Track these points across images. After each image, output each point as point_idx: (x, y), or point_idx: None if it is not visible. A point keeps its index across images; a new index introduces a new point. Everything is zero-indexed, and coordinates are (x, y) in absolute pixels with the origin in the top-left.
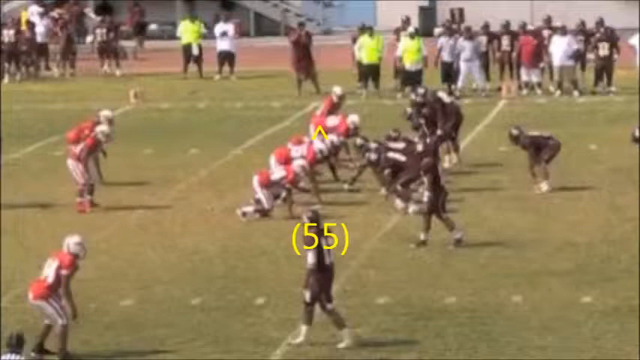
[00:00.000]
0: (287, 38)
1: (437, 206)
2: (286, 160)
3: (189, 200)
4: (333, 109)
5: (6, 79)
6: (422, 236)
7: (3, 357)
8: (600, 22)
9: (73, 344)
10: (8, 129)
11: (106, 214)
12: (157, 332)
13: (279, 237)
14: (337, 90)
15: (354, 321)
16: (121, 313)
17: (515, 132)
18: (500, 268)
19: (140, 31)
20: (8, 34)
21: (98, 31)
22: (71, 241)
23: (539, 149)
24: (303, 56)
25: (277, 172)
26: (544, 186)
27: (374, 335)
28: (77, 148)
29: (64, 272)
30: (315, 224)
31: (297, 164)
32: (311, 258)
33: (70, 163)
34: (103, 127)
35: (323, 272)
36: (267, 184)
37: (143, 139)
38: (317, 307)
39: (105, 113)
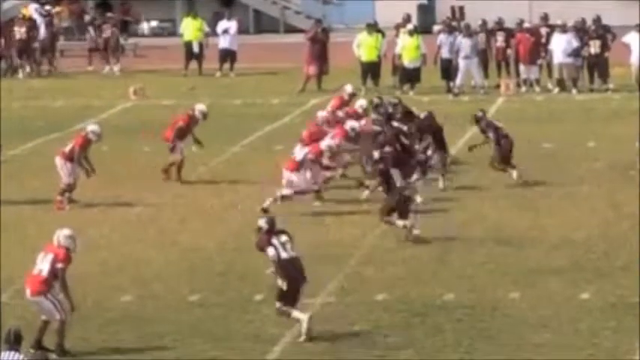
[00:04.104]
0: (304, 35)
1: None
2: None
3: (188, 197)
4: (343, 106)
5: (20, 75)
6: (413, 229)
7: (2, 354)
8: (597, 20)
9: (71, 340)
10: (8, 126)
11: (106, 210)
12: (156, 328)
13: None
14: (348, 88)
15: (352, 317)
16: (120, 309)
17: (479, 114)
18: (498, 266)
19: (124, 28)
20: (20, 31)
21: (105, 27)
22: (62, 234)
23: (498, 142)
24: (319, 53)
25: (300, 152)
26: (514, 174)
27: (372, 332)
28: (66, 148)
29: (59, 266)
30: (270, 230)
31: (326, 143)
32: (271, 251)
33: (58, 160)
34: (94, 127)
35: (292, 268)
36: (296, 168)
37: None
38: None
39: (200, 107)
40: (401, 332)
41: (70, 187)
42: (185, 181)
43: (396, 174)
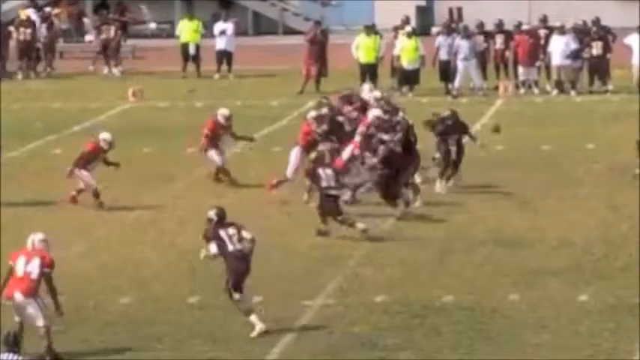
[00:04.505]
0: (303, 37)
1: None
2: None
3: (187, 199)
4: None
5: (19, 77)
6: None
7: (2, 355)
8: (596, 22)
9: (71, 342)
10: (7, 127)
11: (105, 212)
12: (155, 330)
13: (275, 235)
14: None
15: (351, 319)
16: (119, 311)
17: (446, 113)
18: (497, 267)
19: (124, 29)
20: (20, 33)
21: (104, 28)
22: (36, 238)
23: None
24: (318, 54)
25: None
26: (437, 185)
27: (371, 333)
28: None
29: (47, 270)
30: (219, 222)
31: (373, 114)
32: (213, 247)
33: (77, 172)
34: (105, 135)
35: (238, 261)
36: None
37: (142, 138)
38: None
39: (222, 112)
40: (400, 334)
41: (96, 191)
42: (184, 183)
43: (327, 174)
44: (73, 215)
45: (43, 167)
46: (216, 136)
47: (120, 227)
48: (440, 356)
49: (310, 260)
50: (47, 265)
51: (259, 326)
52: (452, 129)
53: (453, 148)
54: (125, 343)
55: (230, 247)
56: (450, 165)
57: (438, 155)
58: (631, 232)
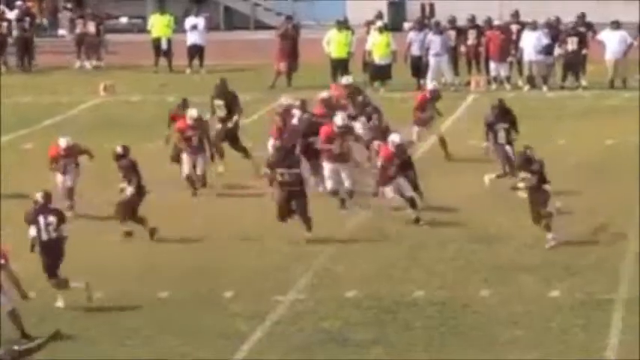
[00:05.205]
0: (275, 32)
1: None
2: None
3: (155, 193)
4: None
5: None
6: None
7: None
8: (582, 17)
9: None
10: None
11: (75, 207)
12: (128, 324)
13: (247, 231)
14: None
15: (322, 314)
16: (92, 305)
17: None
18: (468, 263)
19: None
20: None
21: (79, 21)
22: None
23: None
24: (289, 50)
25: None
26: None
27: (343, 328)
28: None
29: (2, 262)
30: (43, 206)
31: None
32: (32, 231)
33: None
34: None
35: (49, 249)
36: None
37: (112, 133)
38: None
39: (191, 113)
40: (371, 329)
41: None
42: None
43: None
44: None
45: (14, 162)
46: (186, 138)
47: (88, 221)
48: (411, 352)
49: (282, 256)
50: (3, 257)
51: (59, 303)
52: (499, 118)
53: (504, 143)
54: (97, 336)
55: (44, 236)
56: (508, 162)
57: (485, 144)
58: (602, 229)
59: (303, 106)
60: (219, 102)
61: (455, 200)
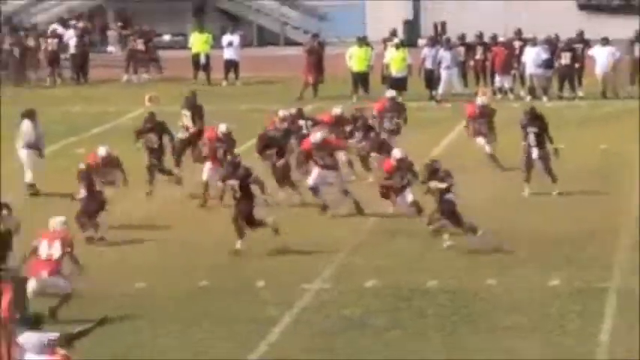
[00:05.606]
0: (302, 48)
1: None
2: None
3: (193, 196)
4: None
5: (47, 83)
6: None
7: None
8: (580, 34)
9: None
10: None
11: (118, 208)
12: (170, 310)
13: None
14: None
15: (344, 302)
16: (132, 295)
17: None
18: (476, 255)
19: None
20: (52, 43)
21: (130, 39)
22: (57, 221)
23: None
24: (315, 64)
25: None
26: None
27: (363, 315)
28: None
29: (69, 249)
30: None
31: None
32: None
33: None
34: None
35: None
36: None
37: None
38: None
39: (221, 127)
40: (388, 315)
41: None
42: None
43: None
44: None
45: (66, 167)
46: (212, 148)
47: (126, 222)
48: (425, 336)
49: (307, 251)
50: (69, 245)
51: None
52: (530, 122)
53: (533, 145)
54: (132, 326)
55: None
56: (531, 167)
57: (523, 143)
58: (599, 225)
59: (300, 115)
60: (186, 112)
61: (464, 198)
